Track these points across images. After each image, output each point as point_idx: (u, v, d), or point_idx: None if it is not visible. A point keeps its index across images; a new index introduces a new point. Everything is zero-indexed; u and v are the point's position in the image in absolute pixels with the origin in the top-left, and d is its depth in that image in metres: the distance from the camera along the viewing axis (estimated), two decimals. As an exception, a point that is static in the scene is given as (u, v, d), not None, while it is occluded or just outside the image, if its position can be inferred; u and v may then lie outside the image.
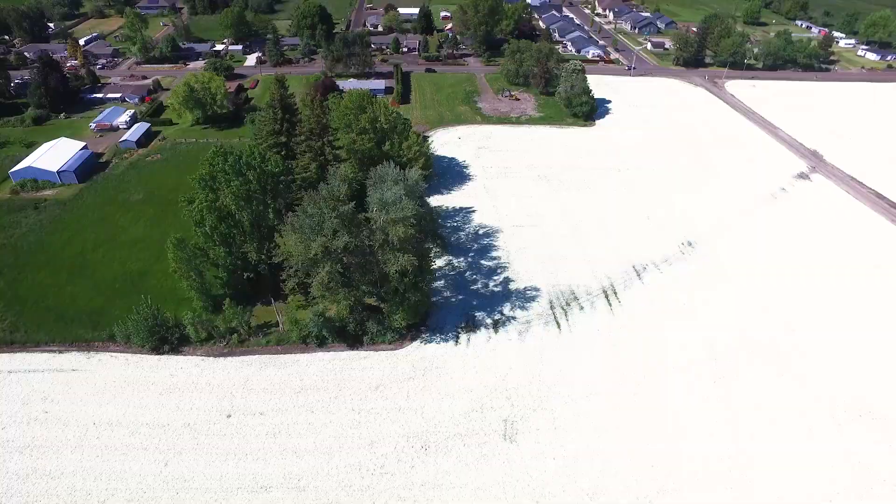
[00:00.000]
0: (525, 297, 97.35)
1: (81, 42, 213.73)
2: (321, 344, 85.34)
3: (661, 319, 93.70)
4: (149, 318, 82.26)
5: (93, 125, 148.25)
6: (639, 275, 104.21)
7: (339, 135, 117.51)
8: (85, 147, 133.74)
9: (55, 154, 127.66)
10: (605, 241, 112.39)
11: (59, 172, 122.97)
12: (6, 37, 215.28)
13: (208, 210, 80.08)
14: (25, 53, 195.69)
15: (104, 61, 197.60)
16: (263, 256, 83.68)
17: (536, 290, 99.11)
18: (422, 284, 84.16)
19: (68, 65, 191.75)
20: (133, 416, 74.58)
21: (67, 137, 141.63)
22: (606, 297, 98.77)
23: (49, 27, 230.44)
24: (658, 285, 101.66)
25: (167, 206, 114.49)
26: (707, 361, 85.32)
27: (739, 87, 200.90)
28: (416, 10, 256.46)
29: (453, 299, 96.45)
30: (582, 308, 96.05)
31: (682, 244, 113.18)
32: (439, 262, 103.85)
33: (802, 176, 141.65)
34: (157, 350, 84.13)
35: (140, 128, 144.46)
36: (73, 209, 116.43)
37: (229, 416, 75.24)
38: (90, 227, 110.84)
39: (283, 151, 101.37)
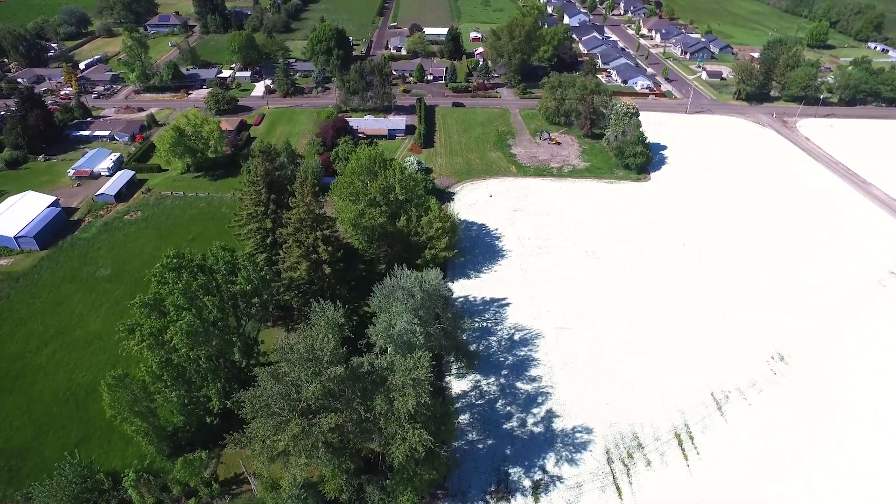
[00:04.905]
0: (574, 444, 74.19)
1: (82, 66, 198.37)
2: (303, 519, 63.62)
3: (756, 481, 69.98)
4: (74, 481, 61.76)
5: (71, 172, 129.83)
6: (719, 407, 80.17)
7: (344, 205, 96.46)
8: (55, 203, 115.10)
9: (17, 213, 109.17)
10: (673, 352, 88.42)
11: (16, 238, 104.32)
12: (5, 59, 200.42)
13: (152, 348, 59.05)
14: (19, 79, 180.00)
15: (101, 89, 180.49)
16: (229, 403, 62.18)
17: (589, 431, 75.88)
18: (439, 451, 61.81)
19: (62, 93, 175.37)
20: None
21: (41, 187, 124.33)
22: (680, 443, 75.12)
23: (52, 48, 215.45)
24: (746, 424, 77.62)
25: (136, 287, 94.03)
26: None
27: (814, 127, 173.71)
28: (443, 31, 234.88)
29: (480, 445, 73.75)
30: (649, 462, 72.54)
31: (772, 358, 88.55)
32: (464, 385, 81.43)
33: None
34: (85, 523, 63.53)
35: (122, 177, 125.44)
36: (26, 288, 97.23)
37: None
38: (40, 316, 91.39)
39: (267, 239, 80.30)
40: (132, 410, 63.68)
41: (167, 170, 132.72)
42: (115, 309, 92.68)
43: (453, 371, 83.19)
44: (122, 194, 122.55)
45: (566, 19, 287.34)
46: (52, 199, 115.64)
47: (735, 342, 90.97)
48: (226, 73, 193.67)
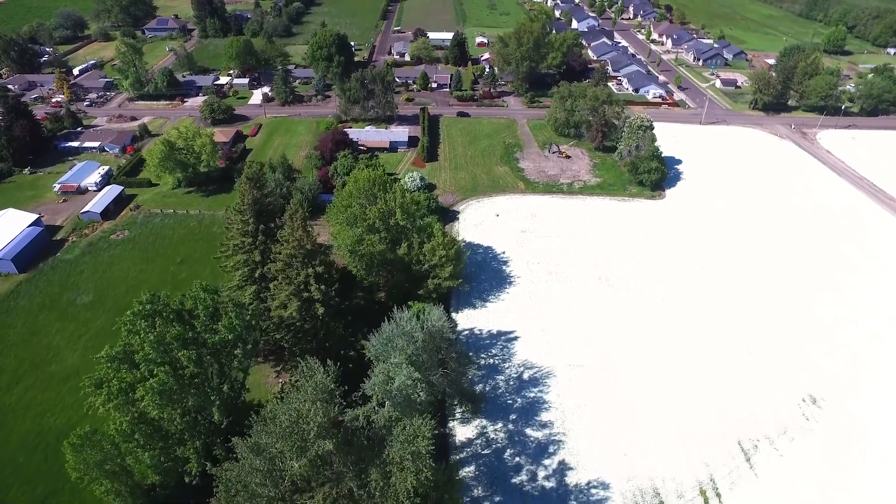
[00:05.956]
0: (590, 502, 67.44)
1: (76, 71, 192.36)
2: None
3: (795, 553, 63.08)
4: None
5: (56, 186, 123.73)
6: (748, 458, 73.31)
7: (340, 230, 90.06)
8: (37, 221, 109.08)
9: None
10: (695, 393, 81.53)
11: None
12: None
13: (120, 408, 52.65)
14: (9, 86, 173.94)
15: (94, 96, 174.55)
16: (208, 464, 55.63)
17: (605, 486, 69.14)
18: (441, 523, 55.22)
19: (53, 101, 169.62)
20: None
21: (25, 202, 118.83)
22: (706, 501, 68.28)
23: (46, 52, 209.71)
24: (778, 479, 70.80)
25: (118, 316, 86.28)
26: None
27: (835, 139, 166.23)
28: (448, 36, 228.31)
29: (487, 503, 67.11)
30: (674, 525, 65.77)
31: (803, 401, 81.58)
32: (469, 432, 74.74)
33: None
34: None
35: (110, 193, 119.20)
36: (0, 316, 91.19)
37: None
38: (13, 348, 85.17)
39: (256, 272, 73.78)
40: (102, 470, 57.28)
41: (158, 184, 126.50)
42: (94, 341, 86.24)
43: (457, 416, 76.62)
44: (109, 211, 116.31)
45: (574, 23, 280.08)
46: (33, 217, 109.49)
47: (762, 382, 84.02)
48: (223, 79, 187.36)
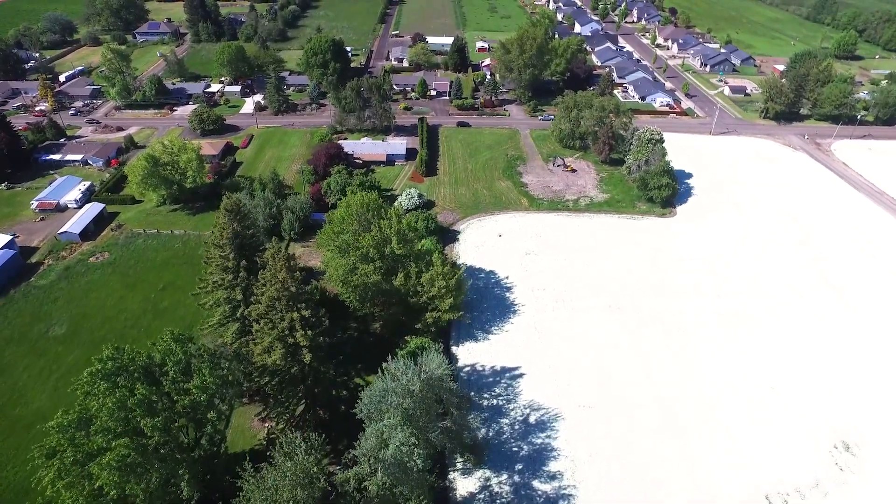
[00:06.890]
0: (606, 570, 60.98)
1: (62, 78, 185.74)
2: None
3: None
4: None
5: (34, 204, 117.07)
6: (778, 515, 66.81)
7: (332, 258, 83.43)
8: (10, 243, 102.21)
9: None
10: (716, 438, 75.07)
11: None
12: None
13: (74, 485, 46.02)
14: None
15: (80, 104, 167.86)
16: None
17: (622, 550, 62.68)
18: None
19: (37, 109, 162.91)
20: None
21: (5, 216, 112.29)
22: (734, 567, 61.73)
23: (33, 57, 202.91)
24: (813, 540, 64.22)
25: (92, 351, 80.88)
26: None
27: (851, 150, 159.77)
28: (448, 40, 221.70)
29: (491, 572, 60.65)
30: None
31: (835, 448, 75.04)
32: (471, 485, 68.11)
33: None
34: None
35: (90, 211, 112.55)
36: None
37: None
38: (-24, 389, 78.68)
39: (237, 311, 67.19)
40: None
41: (142, 201, 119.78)
42: (65, 380, 79.44)
43: (458, 466, 70.07)
44: (89, 232, 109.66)
45: (577, 27, 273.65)
46: (6, 238, 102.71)
47: (787, 423, 77.52)
48: (214, 87, 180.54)
